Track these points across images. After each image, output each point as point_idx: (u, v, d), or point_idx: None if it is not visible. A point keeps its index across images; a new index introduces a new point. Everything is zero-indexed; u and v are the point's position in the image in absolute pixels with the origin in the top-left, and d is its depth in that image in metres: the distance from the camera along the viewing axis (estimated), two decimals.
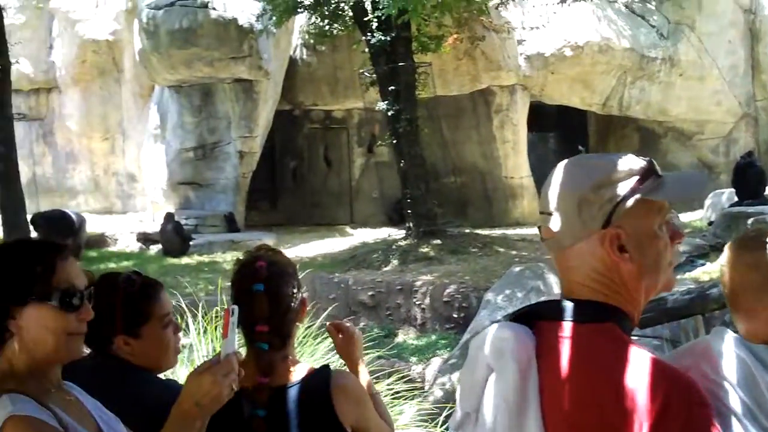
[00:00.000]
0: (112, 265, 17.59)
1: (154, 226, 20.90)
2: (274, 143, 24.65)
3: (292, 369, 2.62)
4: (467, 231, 18.91)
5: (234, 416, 2.47)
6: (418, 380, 10.37)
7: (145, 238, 20.85)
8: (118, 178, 25.82)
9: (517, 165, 23.11)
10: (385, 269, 15.70)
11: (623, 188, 1.78)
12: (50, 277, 2.06)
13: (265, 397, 2.52)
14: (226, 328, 2.15)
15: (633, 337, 1.78)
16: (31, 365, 2.06)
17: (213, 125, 22.46)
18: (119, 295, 2.64)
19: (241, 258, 2.76)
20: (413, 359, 11.68)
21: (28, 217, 18.69)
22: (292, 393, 2.56)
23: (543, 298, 10.67)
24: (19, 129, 21.02)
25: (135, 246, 20.94)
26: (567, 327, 1.78)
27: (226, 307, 2.08)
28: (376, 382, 6.32)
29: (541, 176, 25.21)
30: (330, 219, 24.10)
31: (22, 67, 23.90)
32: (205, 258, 18.75)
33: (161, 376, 2.88)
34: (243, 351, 2.62)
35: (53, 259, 2.09)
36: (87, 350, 2.55)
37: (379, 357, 7.80)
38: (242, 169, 22.55)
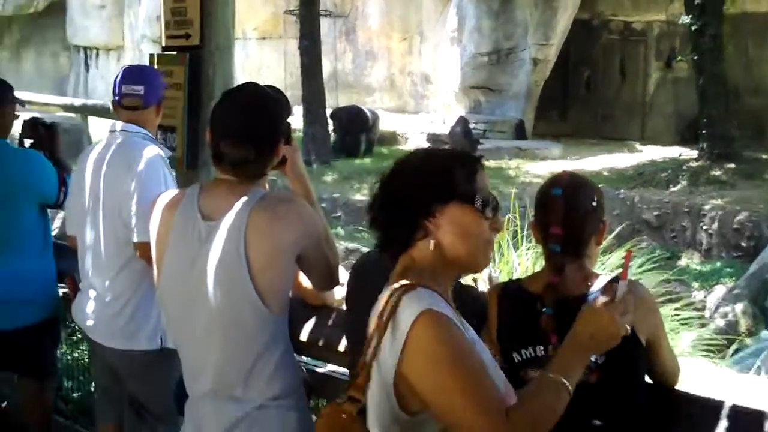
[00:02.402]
0: None
1: (444, 128, 21.09)
2: (569, 53, 24.11)
3: (589, 281, 2.61)
4: (765, 156, 17.95)
5: (526, 318, 2.58)
6: (699, 307, 10.09)
7: (434, 139, 21.05)
8: (413, 78, 26.12)
9: None
10: (673, 189, 15.23)
11: None
12: (472, 181, 2.11)
13: (553, 297, 2.56)
14: (626, 269, 2.14)
15: None
16: (436, 268, 2.12)
17: (510, 31, 22.35)
18: None
19: None
20: (695, 285, 11.32)
21: (327, 110, 19.52)
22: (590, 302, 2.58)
23: None
24: (324, 25, 21.73)
25: (424, 145, 20.82)
26: None
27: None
28: (659, 306, 6.15)
29: None
30: (620, 133, 23.39)
31: None
32: (491, 163, 18.42)
33: None
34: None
35: (474, 166, 2.15)
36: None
37: (662, 281, 7.54)
38: (535, 77, 22.39)
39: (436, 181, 2.10)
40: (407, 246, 2.13)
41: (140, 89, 3.86)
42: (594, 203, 2.66)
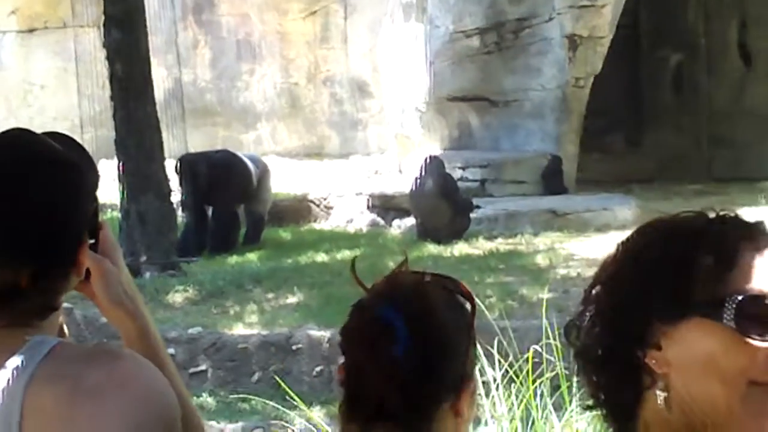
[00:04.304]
0: None
1: (402, 182, 21.49)
2: (638, 21, 24.56)
3: None
4: None
5: None
6: None
7: (384, 206, 21.30)
8: (333, 89, 27.03)
9: None
10: None
11: None
12: (723, 275, 1.98)
13: None
14: None
15: None
16: None
17: None
18: None
19: None
20: None
21: (168, 163, 19.19)
22: None
23: None
24: None
25: (359, 219, 21.57)
26: None
27: None
28: None
29: None
30: (756, 169, 22.77)
31: None
32: (500, 243, 18.33)
33: None
34: None
35: (735, 246, 2.04)
36: None
37: None
38: (574, 71, 22.01)
39: (657, 283, 2.05)
40: (634, 407, 2.08)
41: None
42: None
